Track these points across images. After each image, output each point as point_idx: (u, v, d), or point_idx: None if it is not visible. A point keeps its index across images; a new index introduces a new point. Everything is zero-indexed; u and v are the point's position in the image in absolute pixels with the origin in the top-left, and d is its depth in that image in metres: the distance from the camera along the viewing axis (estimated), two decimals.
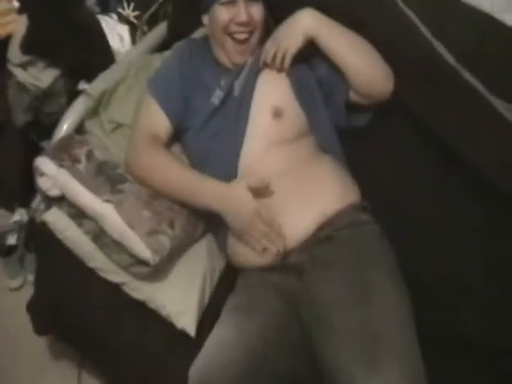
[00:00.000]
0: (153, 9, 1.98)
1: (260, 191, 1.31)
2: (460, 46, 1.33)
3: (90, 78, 1.58)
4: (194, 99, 1.46)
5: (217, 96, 1.43)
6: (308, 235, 1.31)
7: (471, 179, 1.37)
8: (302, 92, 1.43)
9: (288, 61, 1.40)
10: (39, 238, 1.47)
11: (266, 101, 1.41)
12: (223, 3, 1.40)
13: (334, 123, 1.48)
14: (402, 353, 1.13)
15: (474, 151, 1.35)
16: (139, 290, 1.37)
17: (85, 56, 1.68)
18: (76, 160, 1.39)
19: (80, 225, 1.38)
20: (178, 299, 1.36)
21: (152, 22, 1.95)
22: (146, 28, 1.97)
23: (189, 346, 1.30)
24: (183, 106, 1.45)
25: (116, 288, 1.38)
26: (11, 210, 2.03)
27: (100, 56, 1.73)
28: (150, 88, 1.48)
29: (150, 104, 1.46)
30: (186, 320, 1.34)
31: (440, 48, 1.34)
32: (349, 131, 1.49)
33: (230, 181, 1.35)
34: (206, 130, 1.43)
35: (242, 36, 1.43)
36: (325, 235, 1.31)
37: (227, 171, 1.37)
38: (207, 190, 1.34)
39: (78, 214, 1.38)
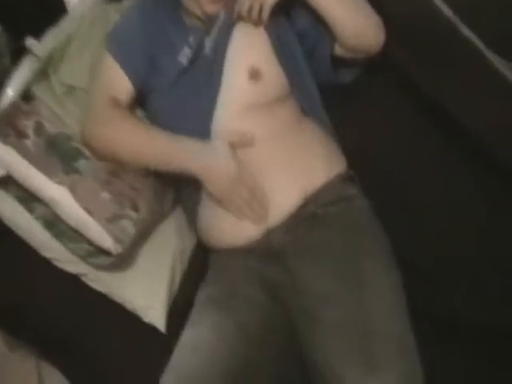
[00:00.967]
0: None
1: (242, 153, 1.19)
2: None
3: (37, 33, 1.36)
4: (158, 58, 1.29)
5: (184, 54, 1.26)
6: (292, 212, 1.19)
7: (471, 152, 1.29)
8: (282, 49, 1.28)
9: (266, 13, 1.23)
10: None
11: (241, 61, 1.25)
12: None
13: (317, 82, 1.35)
14: (399, 351, 1.07)
15: (473, 115, 1.27)
16: (100, 282, 1.24)
17: (30, 7, 1.46)
18: (23, 135, 1.21)
19: (31, 210, 1.23)
20: (145, 291, 1.25)
21: None
22: None
23: (159, 340, 1.21)
24: (147, 66, 1.29)
25: (75, 279, 1.24)
26: None
27: (48, 7, 1.50)
28: (108, 45, 1.31)
29: (109, 64, 1.29)
30: (155, 314, 1.24)
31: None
32: (333, 91, 1.35)
33: None
34: (173, 93, 1.27)
35: None
36: (309, 213, 1.20)
37: (198, 138, 1.23)
38: (184, 152, 1.20)
39: (28, 198, 1.22)
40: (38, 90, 1.32)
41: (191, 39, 1.27)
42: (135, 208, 1.21)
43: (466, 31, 1.24)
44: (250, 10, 1.24)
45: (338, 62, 1.33)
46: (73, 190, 1.17)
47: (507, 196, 1.28)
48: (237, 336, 1.11)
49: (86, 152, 1.24)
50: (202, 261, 1.31)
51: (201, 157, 1.19)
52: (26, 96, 1.31)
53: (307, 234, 1.19)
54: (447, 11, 1.24)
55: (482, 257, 1.29)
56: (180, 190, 1.33)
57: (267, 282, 1.19)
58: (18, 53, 1.36)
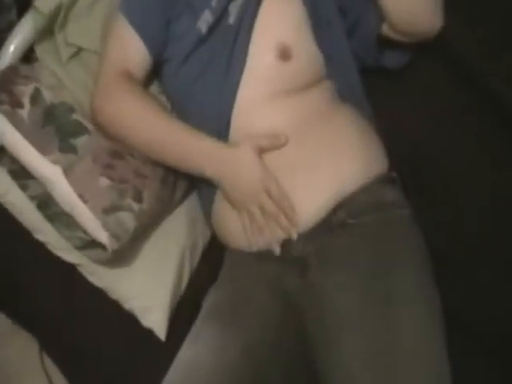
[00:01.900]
0: None
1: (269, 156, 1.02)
2: None
3: None
4: (177, 23, 1.11)
5: (204, 20, 1.07)
6: (319, 219, 1.02)
7: None
8: (319, 25, 1.10)
9: None
10: None
11: (270, 35, 1.06)
12: None
13: (358, 65, 1.17)
14: None
15: None
16: (96, 275, 1.10)
17: None
18: (17, 103, 1.06)
19: (24, 187, 1.09)
20: (146, 290, 1.10)
21: None
22: None
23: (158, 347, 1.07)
24: (164, 32, 1.11)
25: (71, 268, 1.11)
26: None
27: None
28: (122, 8, 1.13)
29: (123, 28, 1.11)
30: (155, 318, 1.09)
31: None
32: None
33: (219, 137, 1.05)
34: (189, 65, 1.10)
35: None
36: (339, 221, 1.02)
37: (215, 123, 1.07)
38: (201, 151, 1.04)
39: (22, 173, 1.08)
40: (41, 51, 1.17)
41: (214, 2, 1.08)
42: (138, 199, 1.05)
43: None
44: None
45: (384, 44, 1.16)
46: (67, 171, 1.01)
47: None
48: (243, 362, 0.96)
49: (90, 127, 1.09)
50: (215, 259, 1.15)
51: (221, 163, 1.04)
52: (27, 57, 1.17)
53: (334, 244, 1.01)
54: None
55: None
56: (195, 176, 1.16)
57: (282, 291, 1.03)
58: (26, 7, 1.19)
